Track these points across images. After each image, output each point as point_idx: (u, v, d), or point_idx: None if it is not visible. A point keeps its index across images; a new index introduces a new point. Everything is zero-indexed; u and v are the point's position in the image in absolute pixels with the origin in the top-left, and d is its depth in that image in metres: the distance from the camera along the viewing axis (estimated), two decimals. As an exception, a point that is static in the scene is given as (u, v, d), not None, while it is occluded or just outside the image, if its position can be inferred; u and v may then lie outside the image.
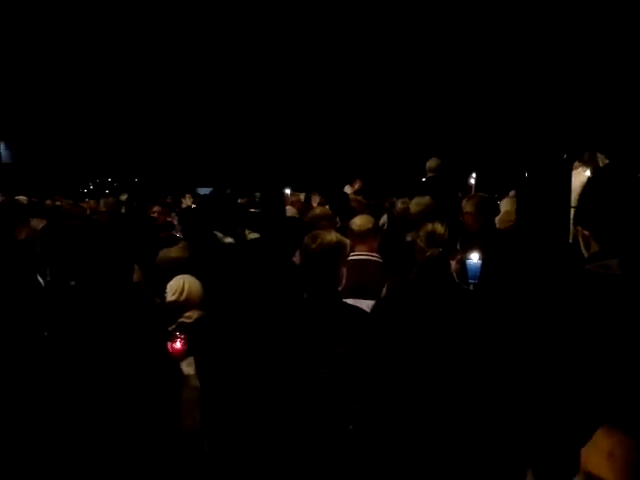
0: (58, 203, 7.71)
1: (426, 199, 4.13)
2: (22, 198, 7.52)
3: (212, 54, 14.68)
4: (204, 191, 15.23)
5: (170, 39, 14.50)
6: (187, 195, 9.16)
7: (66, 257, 2.46)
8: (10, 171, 17.67)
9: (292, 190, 8.34)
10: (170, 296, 2.90)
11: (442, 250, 2.51)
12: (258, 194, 8.86)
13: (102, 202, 6.93)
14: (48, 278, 3.06)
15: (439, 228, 2.58)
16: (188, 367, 2.59)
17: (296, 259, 3.40)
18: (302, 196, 7.97)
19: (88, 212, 6.71)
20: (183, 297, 2.88)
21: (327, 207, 4.75)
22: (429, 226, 2.57)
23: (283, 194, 7.67)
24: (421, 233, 2.56)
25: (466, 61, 11.35)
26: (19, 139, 18.81)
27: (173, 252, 3.44)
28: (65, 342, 2.22)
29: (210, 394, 2.35)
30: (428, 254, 2.47)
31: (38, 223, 4.55)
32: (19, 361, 2.17)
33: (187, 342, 2.61)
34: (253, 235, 4.25)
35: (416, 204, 4.13)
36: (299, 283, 2.48)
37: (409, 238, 3.91)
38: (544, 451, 1.25)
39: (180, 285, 2.90)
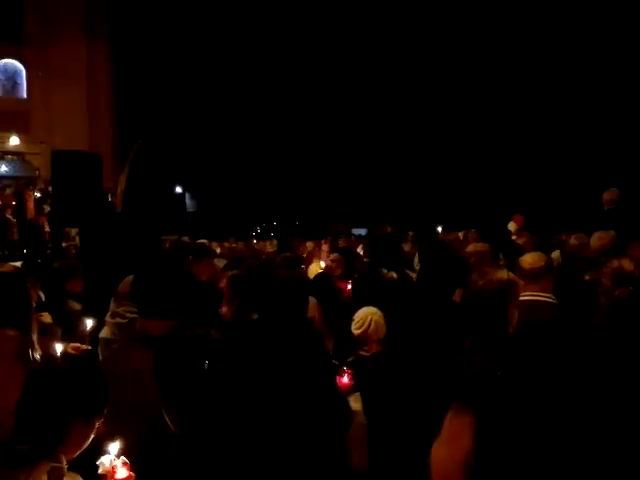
0: (234, 245, 8.58)
1: (609, 233, 3.73)
2: (204, 241, 8.51)
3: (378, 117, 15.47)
4: (359, 232, 15.69)
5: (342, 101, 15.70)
6: (342, 236, 9.51)
7: (253, 294, 2.64)
8: (195, 218, 20.54)
9: (448, 229, 8.18)
10: (355, 328, 2.96)
11: (633, 289, 2.22)
12: (411, 233, 8.86)
13: (271, 243, 7.55)
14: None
15: (627, 264, 2.30)
16: (355, 403, 2.60)
17: (456, 297, 3.29)
18: (461, 234, 7.75)
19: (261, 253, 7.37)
20: (368, 331, 2.92)
21: (485, 244, 4.46)
22: (615, 262, 2.30)
23: (437, 232, 7.56)
24: (606, 270, 2.30)
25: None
26: (201, 191, 21.86)
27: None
28: (239, 374, 2.37)
29: (378, 431, 2.33)
30: (616, 294, 2.20)
31: (219, 262, 5.10)
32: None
33: (354, 377, 2.64)
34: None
35: (598, 238, 3.74)
36: (462, 322, 2.39)
37: (587, 277, 3.54)
38: None
39: (367, 319, 2.94)
